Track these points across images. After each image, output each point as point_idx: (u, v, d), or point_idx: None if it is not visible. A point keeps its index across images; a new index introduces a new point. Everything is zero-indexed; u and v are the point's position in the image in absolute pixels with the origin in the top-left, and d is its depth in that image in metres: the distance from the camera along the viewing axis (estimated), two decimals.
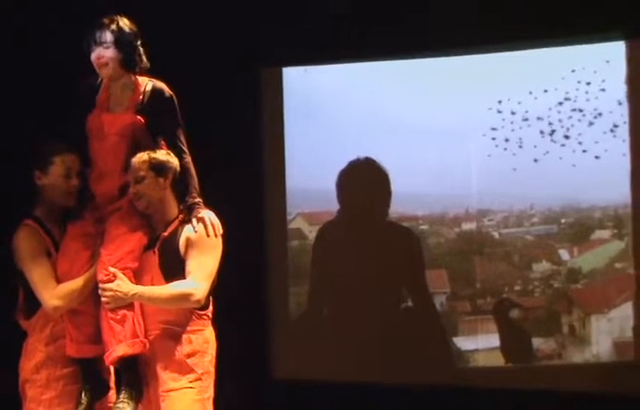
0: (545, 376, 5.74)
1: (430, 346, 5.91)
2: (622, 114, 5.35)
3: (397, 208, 5.96)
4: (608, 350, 5.62)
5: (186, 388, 4.02)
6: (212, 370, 4.13)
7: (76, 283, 4.17)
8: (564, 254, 5.77)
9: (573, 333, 5.72)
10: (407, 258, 6.03)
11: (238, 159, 5.77)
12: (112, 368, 4.24)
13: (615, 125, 5.35)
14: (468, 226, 5.97)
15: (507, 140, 5.58)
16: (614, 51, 5.39)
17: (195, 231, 4.03)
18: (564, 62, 5.53)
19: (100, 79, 4.17)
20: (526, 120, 5.54)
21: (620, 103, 5.38)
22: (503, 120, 5.65)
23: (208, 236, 4.05)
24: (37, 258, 4.21)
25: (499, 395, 5.61)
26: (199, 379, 4.04)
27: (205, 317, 4.11)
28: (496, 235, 5.94)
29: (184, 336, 4.05)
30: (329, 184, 6.05)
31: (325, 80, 6.16)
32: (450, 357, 5.92)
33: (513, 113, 5.54)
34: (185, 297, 4.00)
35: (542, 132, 5.56)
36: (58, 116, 4.42)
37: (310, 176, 6.17)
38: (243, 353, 4.69)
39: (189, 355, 4.04)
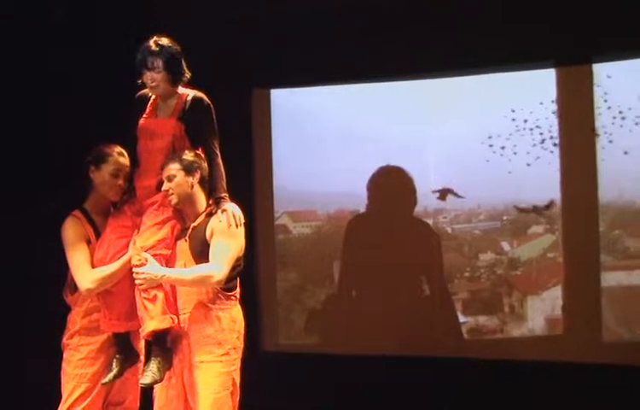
0: (490, 347, 6.09)
1: (417, 322, 6.16)
2: (550, 130, 5.79)
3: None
4: (541, 325, 6.03)
5: (215, 361, 4.23)
6: (240, 345, 4.34)
7: (108, 268, 4.40)
8: (505, 245, 6.16)
9: (512, 312, 6.09)
10: (426, 250, 6.26)
11: (233, 165, 5.74)
12: (143, 342, 4.41)
13: (544, 140, 5.79)
14: (426, 222, 6.27)
15: (458, 153, 5.98)
16: (545, 77, 5.82)
17: (219, 221, 4.24)
18: (500, 89, 5.93)
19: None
20: (478, 138, 5.93)
21: (547, 118, 5.78)
22: (456, 137, 5.99)
23: (230, 225, 4.24)
24: (77, 244, 4.46)
25: (455, 362, 5.98)
26: (226, 354, 4.25)
27: (232, 298, 4.34)
28: (449, 230, 6.27)
29: (214, 315, 4.26)
30: (311, 187, 6.41)
31: (307, 99, 6.46)
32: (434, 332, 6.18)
33: (465, 134, 5.93)
34: (206, 278, 4.20)
35: (491, 145, 5.90)
36: (116, 119, 4.64)
37: (294, 180, 6.48)
38: None
39: (218, 332, 4.25)
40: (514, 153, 5.86)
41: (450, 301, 6.17)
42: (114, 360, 4.47)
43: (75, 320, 4.59)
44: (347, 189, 6.37)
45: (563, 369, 5.67)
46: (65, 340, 4.61)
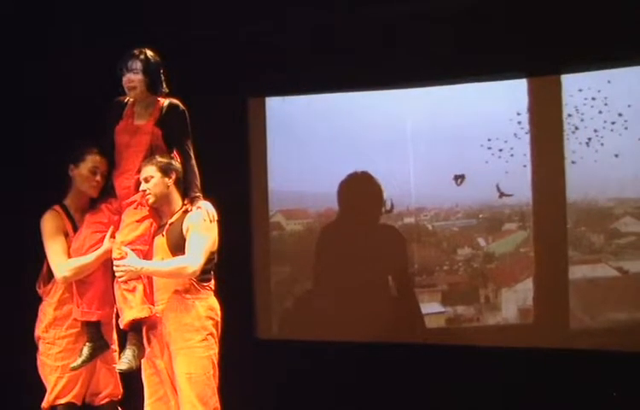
0: (467, 335, 6.21)
1: (399, 311, 6.33)
2: (522, 138, 5.91)
3: None
4: (514, 314, 6.10)
5: (195, 347, 4.32)
6: (216, 332, 4.42)
7: (84, 259, 4.45)
8: (481, 241, 6.22)
9: (488, 302, 6.17)
10: (392, 249, 6.43)
11: (231, 168, 6.21)
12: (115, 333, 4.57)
13: (518, 145, 5.92)
14: (408, 220, 6.38)
15: (437, 157, 6.12)
16: (517, 86, 5.95)
17: (194, 218, 4.33)
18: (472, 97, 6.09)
19: (128, 98, 4.49)
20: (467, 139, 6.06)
21: (520, 122, 5.90)
22: (435, 142, 6.15)
23: (204, 221, 4.32)
24: (55, 236, 4.51)
25: (435, 349, 6.18)
26: (205, 339, 4.34)
27: (208, 288, 4.41)
28: (429, 227, 6.37)
29: (190, 304, 4.35)
30: (302, 187, 6.55)
31: (299, 106, 6.61)
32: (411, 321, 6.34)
33: (444, 140, 6.09)
34: (182, 270, 4.28)
35: (489, 148, 6.00)
36: (94, 124, 4.71)
37: (287, 181, 6.63)
38: (233, 318, 4.76)
39: (196, 319, 4.34)
40: (498, 156, 5.96)
41: (413, 295, 6.32)
42: (85, 347, 4.49)
43: (47, 311, 4.61)
44: (335, 189, 6.45)
45: (534, 354, 5.83)
46: (39, 333, 4.62)
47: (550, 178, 5.92)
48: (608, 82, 5.68)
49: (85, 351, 4.48)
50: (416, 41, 5.91)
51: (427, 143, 6.27)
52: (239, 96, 6.58)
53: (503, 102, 6.00)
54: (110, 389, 4.74)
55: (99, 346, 4.52)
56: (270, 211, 6.75)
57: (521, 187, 5.99)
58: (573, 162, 5.81)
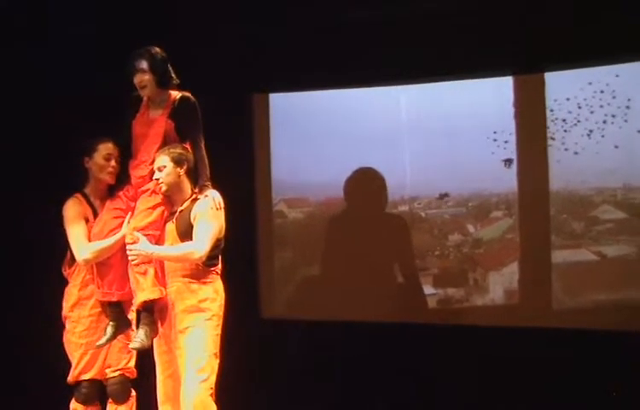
0: (457, 315, 6.35)
1: (402, 292, 6.48)
2: (510, 133, 6.08)
3: None
4: (500, 296, 6.23)
5: (199, 327, 4.37)
6: (221, 313, 4.45)
7: (104, 242, 4.52)
8: (470, 228, 6.34)
9: (476, 285, 6.30)
10: (397, 236, 6.51)
11: (237, 159, 6.30)
12: (134, 313, 4.54)
13: (506, 141, 6.09)
14: (402, 208, 6.52)
15: (431, 149, 6.25)
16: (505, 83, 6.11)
17: (202, 205, 4.37)
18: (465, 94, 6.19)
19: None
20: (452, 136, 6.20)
21: (507, 117, 6.05)
22: (430, 135, 6.28)
23: (211, 209, 4.35)
24: (76, 221, 4.59)
25: (426, 328, 6.33)
26: (209, 320, 4.39)
27: (214, 272, 4.45)
28: (422, 214, 6.48)
29: (198, 287, 4.40)
30: (304, 178, 6.68)
31: (301, 101, 6.73)
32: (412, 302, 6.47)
33: (439, 133, 6.24)
34: (189, 254, 4.33)
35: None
36: (114, 119, 4.78)
37: (289, 172, 6.76)
38: (239, 298, 4.78)
39: (202, 301, 4.40)
40: (488, 148, 6.10)
41: (417, 279, 6.45)
42: (108, 326, 4.58)
43: (72, 292, 4.71)
44: (335, 179, 6.59)
45: (519, 333, 5.95)
46: (65, 312, 4.73)
47: (534, 169, 6.04)
48: (589, 84, 5.85)
49: (109, 330, 4.56)
50: (412, 40, 6.02)
51: (420, 136, 6.37)
52: (245, 93, 6.70)
53: (491, 98, 6.15)
54: (122, 364, 4.81)
55: (121, 325, 4.60)
56: (273, 200, 6.84)
57: (508, 177, 6.13)
58: (553, 156, 5.98)
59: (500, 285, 6.25)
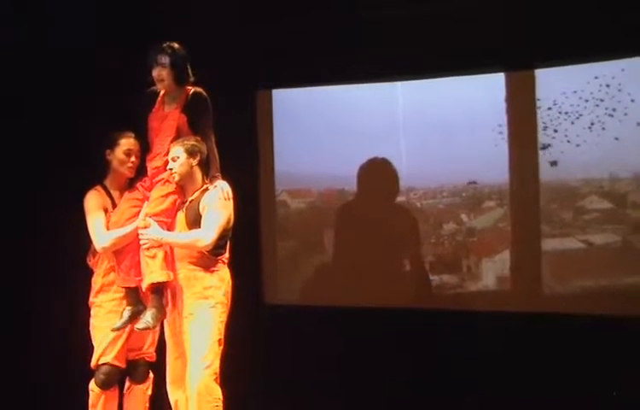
0: (451, 300, 6.46)
1: (405, 278, 6.55)
2: (501, 125, 6.18)
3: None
4: (493, 282, 6.32)
5: (204, 313, 4.46)
6: (226, 301, 4.52)
7: (121, 230, 4.62)
8: (464, 217, 6.42)
9: (469, 271, 6.38)
10: (405, 227, 6.56)
11: (242, 153, 6.33)
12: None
13: (497, 132, 6.19)
14: (400, 198, 6.62)
15: (428, 141, 6.36)
16: (497, 80, 6.19)
17: (211, 196, 4.47)
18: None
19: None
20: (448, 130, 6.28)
21: (499, 113, 6.15)
22: (425, 130, 6.39)
23: (219, 199, 4.43)
24: (96, 211, 4.71)
25: (421, 313, 6.39)
26: (214, 307, 4.47)
27: (220, 261, 4.54)
28: (418, 204, 6.58)
29: (203, 274, 4.49)
30: (305, 169, 6.77)
31: (302, 97, 6.86)
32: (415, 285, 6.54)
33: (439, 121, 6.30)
34: (196, 241, 4.41)
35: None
36: (129, 113, 4.91)
37: (292, 164, 6.86)
38: (244, 285, 4.83)
39: (207, 288, 4.48)
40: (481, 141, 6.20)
41: (425, 271, 6.53)
42: (125, 310, 4.66)
43: (97, 280, 4.85)
44: (335, 171, 6.68)
45: (510, 317, 6.09)
46: (91, 299, 4.87)
47: (525, 161, 6.15)
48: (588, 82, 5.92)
49: (125, 314, 4.64)
50: (410, 38, 6.14)
51: (417, 130, 6.47)
52: (249, 90, 6.80)
53: (483, 93, 6.28)
54: (143, 348, 4.92)
55: (138, 310, 4.64)
56: (276, 190, 6.93)
57: (500, 169, 6.25)
58: (544, 149, 6.07)
59: (492, 272, 6.33)
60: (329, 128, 6.68)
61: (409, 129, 6.50)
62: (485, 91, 6.25)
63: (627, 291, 5.78)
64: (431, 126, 6.39)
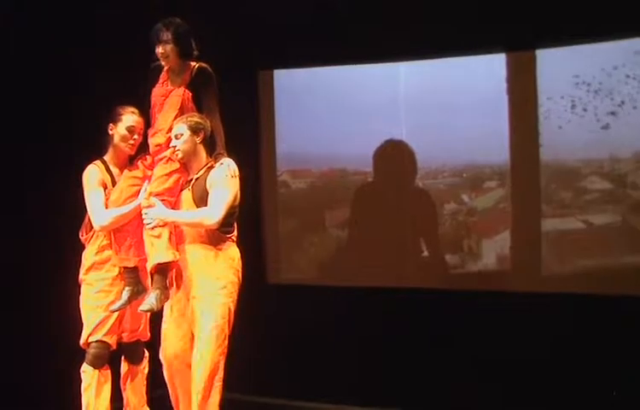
0: (453, 279, 6.47)
1: (409, 257, 6.54)
2: (502, 106, 6.16)
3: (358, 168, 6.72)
4: (493, 262, 6.33)
5: (214, 294, 4.45)
6: (237, 280, 4.52)
7: (121, 209, 4.59)
8: (465, 197, 6.42)
9: (470, 251, 6.39)
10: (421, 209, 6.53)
11: (244, 133, 6.32)
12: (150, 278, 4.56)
13: (498, 113, 6.18)
14: (403, 179, 6.51)
15: (429, 121, 6.35)
16: (498, 61, 6.17)
17: (217, 173, 4.44)
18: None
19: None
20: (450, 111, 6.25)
21: (500, 93, 6.11)
22: (427, 109, 6.37)
23: (225, 176, 4.41)
24: (94, 188, 4.63)
25: (422, 292, 6.43)
26: (224, 287, 4.47)
27: (229, 239, 4.53)
28: (420, 184, 6.55)
29: (212, 254, 4.47)
30: (306, 150, 6.83)
31: (303, 78, 6.88)
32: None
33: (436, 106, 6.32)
34: (203, 219, 4.38)
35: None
36: (132, 87, 4.85)
37: (293, 144, 6.92)
38: (246, 265, 4.76)
39: (215, 268, 4.47)
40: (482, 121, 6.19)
41: (439, 250, 6.54)
42: (124, 291, 4.65)
43: (89, 256, 4.76)
44: (335, 151, 6.71)
45: (510, 296, 6.11)
46: (81, 276, 4.78)
47: (526, 141, 6.14)
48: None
49: (124, 295, 4.64)
50: (410, 18, 6.14)
51: (418, 110, 6.46)
52: (251, 70, 6.84)
53: (484, 74, 6.28)
54: (138, 329, 4.91)
55: (137, 290, 4.67)
56: (277, 171, 6.97)
57: (501, 149, 6.26)
58: (544, 129, 6.07)
59: (493, 252, 6.34)
60: (331, 108, 6.68)
61: (410, 109, 6.49)
62: (486, 72, 6.25)
63: (627, 271, 5.79)
64: (432, 107, 6.37)
